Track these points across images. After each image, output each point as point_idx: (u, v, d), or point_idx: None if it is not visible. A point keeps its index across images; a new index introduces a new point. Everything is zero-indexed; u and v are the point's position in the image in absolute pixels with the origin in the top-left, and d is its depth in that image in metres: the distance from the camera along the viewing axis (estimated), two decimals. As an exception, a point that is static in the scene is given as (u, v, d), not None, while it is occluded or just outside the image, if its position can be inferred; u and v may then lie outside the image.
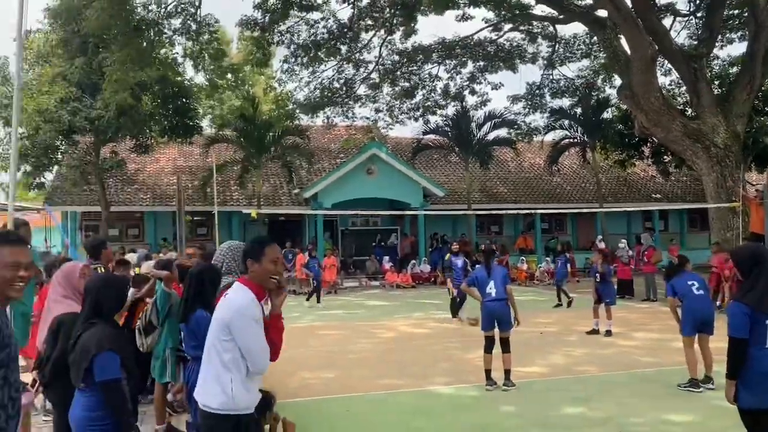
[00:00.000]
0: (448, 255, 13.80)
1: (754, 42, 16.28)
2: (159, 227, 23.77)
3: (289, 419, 3.40)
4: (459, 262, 12.98)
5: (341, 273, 20.89)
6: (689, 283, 7.38)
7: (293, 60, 22.49)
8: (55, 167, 21.62)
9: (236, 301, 3.10)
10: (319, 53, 22.07)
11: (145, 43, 17.13)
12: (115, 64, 16.18)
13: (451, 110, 25.76)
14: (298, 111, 24.53)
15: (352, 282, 22.04)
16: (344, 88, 24.24)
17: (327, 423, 6.29)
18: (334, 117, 25.35)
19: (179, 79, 20.94)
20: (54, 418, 4.05)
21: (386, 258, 22.81)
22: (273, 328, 3.21)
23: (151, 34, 17.60)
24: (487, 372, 7.39)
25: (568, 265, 15.36)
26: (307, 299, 16.38)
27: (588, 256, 23.63)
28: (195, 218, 24.02)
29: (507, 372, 7.35)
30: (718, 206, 15.11)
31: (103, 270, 6.13)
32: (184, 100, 21.04)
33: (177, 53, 20.24)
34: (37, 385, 4.50)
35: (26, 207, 23.24)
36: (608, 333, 10.90)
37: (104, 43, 18.19)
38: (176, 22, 18.41)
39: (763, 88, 19.24)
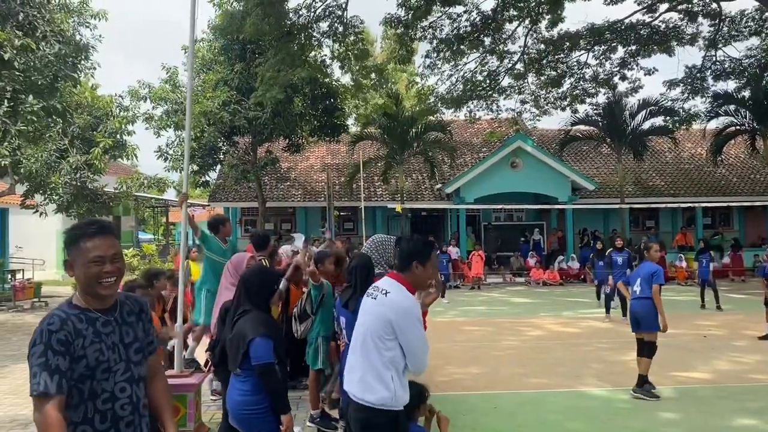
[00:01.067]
0: (609, 251, 13.29)
1: None
2: (310, 222, 24.96)
3: (443, 414, 3.41)
4: (619, 259, 12.46)
5: (485, 269, 20.66)
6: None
7: (435, 55, 22.56)
8: (218, 166, 23.40)
9: (402, 302, 3.08)
10: (462, 46, 21.93)
11: (296, 47, 18.00)
12: (268, 67, 17.19)
13: (601, 99, 24.53)
14: (440, 105, 24.56)
15: (495, 278, 21.75)
16: (488, 81, 23.90)
17: (473, 419, 6.25)
18: (477, 110, 25.10)
19: (327, 80, 21.79)
20: (223, 398, 4.37)
21: (531, 254, 22.25)
22: None
23: (302, 38, 18.45)
24: (641, 377, 6.93)
25: (712, 264, 14.13)
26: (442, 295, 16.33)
27: (758, 253, 21.53)
28: (342, 213, 24.93)
29: (639, 377, 6.81)
30: None
31: (266, 262, 6.54)
32: (331, 100, 21.88)
33: (325, 55, 21.08)
34: (209, 365, 4.89)
35: (194, 203, 25.43)
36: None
37: (260, 49, 19.41)
38: (324, 25, 19.16)
39: None
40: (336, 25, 19.04)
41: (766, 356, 8.86)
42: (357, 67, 21.33)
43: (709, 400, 6.68)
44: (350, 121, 28.29)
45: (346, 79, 24.69)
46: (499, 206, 22.23)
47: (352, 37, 19.28)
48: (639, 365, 6.87)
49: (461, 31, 21.38)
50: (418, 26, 20.97)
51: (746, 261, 22.29)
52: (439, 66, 23.25)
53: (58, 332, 2.15)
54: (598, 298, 14.09)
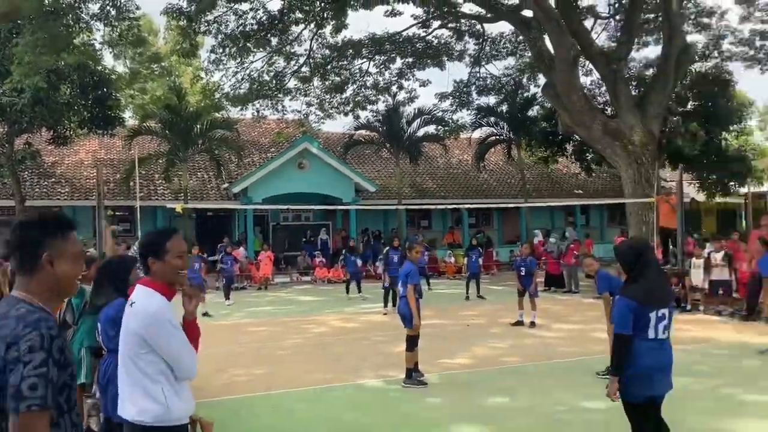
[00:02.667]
0: (387, 249, 14.13)
1: (668, 45, 17.12)
2: (79, 222, 22.71)
3: (206, 419, 3.27)
4: (395, 256, 13.29)
5: (273, 269, 20.64)
6: (620, 278, 7.68)
7: (221, 50, 21.96)
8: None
9: (148, 308, 2.83)
10: (248, 44, 21.63)
11: (61, 28, 16.26)
12: (26, 48, 15.32)
13: (381, 106, 25.91)
14: (226, 103, 23.99)
15: (283, 278, 21.81)
16: (274, 81, 23.88)
17: (255, 420, 6.22)
18: (264, 110, 24.95)
19: (99, 67, 20.05)
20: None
21: (317, 253, 22.74)
22: (188, 336, 2.93)
23: (69, 18, 16.73)
24: (415, 365, 7.46)
25: (480, 260, 16.08)
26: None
27: (513, 249, 24.35)
28: (117, 213, 23.12)
29: (407, 370, 7.29)
30: (635, 202, 15.83)
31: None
32: (104, 89, 20.18)
33: (95, 40, 19.35)
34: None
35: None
36: (532, 324, 11.25)
37: (18, 28, 17.20)
38: (94, 7, 17.59)
39: (676, 90, 20.28)
40: (108, 8, 17.58)
41: (516, 341, 10.06)
42: (132, 55, 19.91)
43: (469, 384, 7.40)
44: (127, 114, 26.33)
45: (122, 68, 22.95)
46: (286, 207, 22.35)
47: (126, 23, 17.94)
48: (405, 359, 7.37)
49: (247, 29, 21.08)
50: (202, 20, 20.25)
51: (503, 256, 25.14)
52: (225, 62, 22.68)
53: (57, 338, 1.91)
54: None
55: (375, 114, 25.61)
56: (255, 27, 21.03)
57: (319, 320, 12.80)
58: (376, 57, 24.10)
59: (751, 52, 21.75)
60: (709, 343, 9.47)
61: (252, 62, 22.94)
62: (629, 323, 3.98)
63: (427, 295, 16.30)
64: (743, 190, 23.61)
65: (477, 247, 16.89)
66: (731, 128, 21.92)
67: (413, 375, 7.33)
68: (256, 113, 24.80)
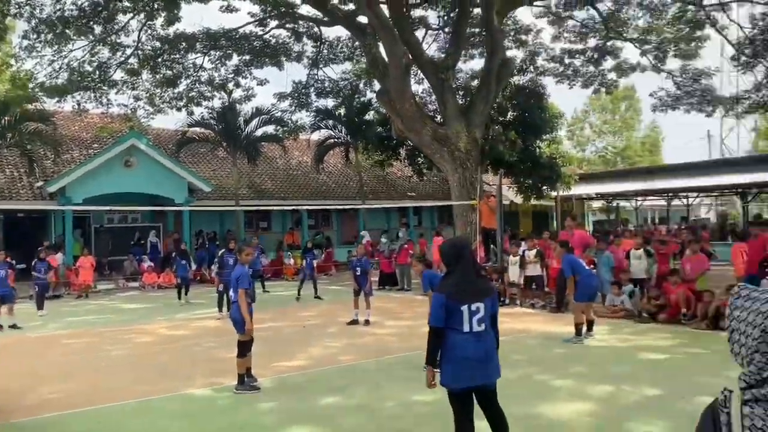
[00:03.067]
0: (221, 252, 13.72)
1: (491, 59, 18.45)
2: None
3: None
4: (231, 259, 12.92)
5: (95, 275, 19.14)
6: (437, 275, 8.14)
7: (35, 36, 19.98)
8: None
9: None
10: (67, 31, 19.90)
11: None
12: None
13: (217, 103, 25.14)
14: (40, 93, 21.87)
15: (107, 284, 20.34)
16: (98, 72, 22.20)
17: (70, 440, 5.74)
18: (86, 103, 23.09)
19: None
20: None
21: (144, 257, 21.50)
22: None
23: None
24: (248, 370, 7.34)
25: (315, 261, 16.42)
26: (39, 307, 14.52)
27: (351, 249, 24.82)
28: None
29: (239, 376, 7.17)
30: (460, 204, 16.87)
31: None
32: None
33: None
34: None
35: None
36: (367, 322, 11.55)
37: None
38: None
39: (497, 100, 21.91)
40: None
41: (351, 339, 10.28)
42: None
43: (303, 385, 7.42)
44: None
45: None
46: (109, 208, 20.87)
47: None
48: (237, 365, 7.23)
49: (66, 14, 19.39)
50: (12, 1, 18.32)
51: (341, 256, 25.54)
52: (40, 49, 20.66)
53: None
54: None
55: (210, 111, 24.80)
56: (75, 13, 19.41)
57: (146, 329, 12.12)
58: (212, 52, 23.36)
59: (561, 69, 24.13)
60: (524, 333, 10.35)
61: (72, 51, 21.16)
62: (441, 316, 4.24)
63: (264, 298, 16.22)
64: (554, 193, 26.08)
65: (312, 250, 17.02)
66: (544, 137, 24.11)
67: (245, 381, 7.20)
68: (76, 106, 22.90)
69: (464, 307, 4.23)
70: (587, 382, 7.23)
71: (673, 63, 22.70)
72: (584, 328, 9.69)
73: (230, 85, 24.71)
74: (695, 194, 33.10)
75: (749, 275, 10.57)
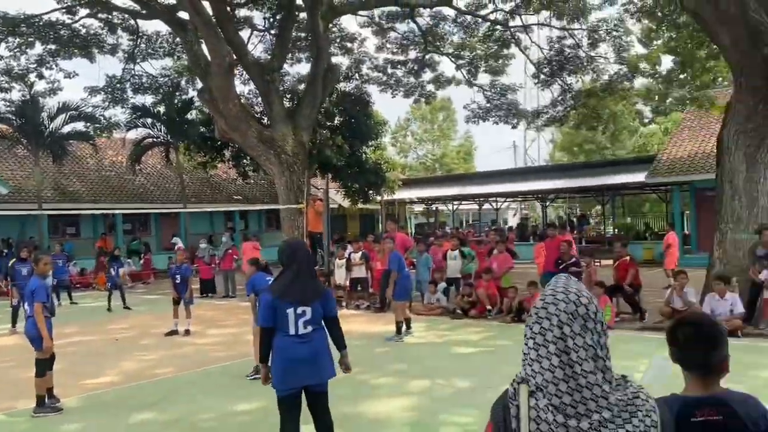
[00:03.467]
0: (12, 261, 12.33)
1: (316, 64, 18.59)
2: None
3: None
4: (24, 269, 11.65)
5: None
6: (267, 279, 8.00)
7: None
8: None
9: None
10: None
11: None
12: None
13: (16, 95, 22.58)
14: None
15: None
16: None
17: None
18: None
19: None
20: None
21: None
22: None
23: None
24: (49, 391, 6.67)
25: (121, 270, 15.54)
26: None
27: (171, 256, 23.63)
28: None
29: (37, 397, 6.51)
30: (288, 207, 16.78)
31: None
32: None
33: None
34: None
35: None
36: (187, 332, 11.05)
37: None
38: None
39: (324, 105, 22.15)
40: None
41: (169, 351, 9.76)
42: None
43: (113, 403, 6.90)
44: None
45: None
46: None
47: None
48: (35, 386, 6.53)
49: None
50: None
51: (161, 263, 24.18)
52: None
53: None
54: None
55: (9, 105, 22.21)
56: None
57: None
58: (9, 39, 20.92)
59: (384, 78, 24.99)
60: (349, 335, 10.52)
61: None
62: (269, 316, 4.29)
63: (72, 310, 14.85)
64: (379, 197, 26.97)
65: (119, 258, 15.98)
66: (370, 143, 24.83)
67: (46, 402, 6.53)
68: None
69: (290, 310, 4.27)
70: (407, 378, 7.54)
71: (483, 78, 24.51)
72: (404, 326, 10.11)
73: (32, 77, 22.32)
74: (503, 199, 36.09)
75: (547, 272, 11.75)
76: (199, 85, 19.69)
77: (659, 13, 16.37)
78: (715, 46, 13.31)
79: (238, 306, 14.96)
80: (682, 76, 18.78)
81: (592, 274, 11.71)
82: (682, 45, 17.01)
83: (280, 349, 4.29)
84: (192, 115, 25.57)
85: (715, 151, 11.21)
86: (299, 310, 4.28)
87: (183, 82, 25.63)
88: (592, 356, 1.58)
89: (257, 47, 23.73)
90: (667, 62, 20.33)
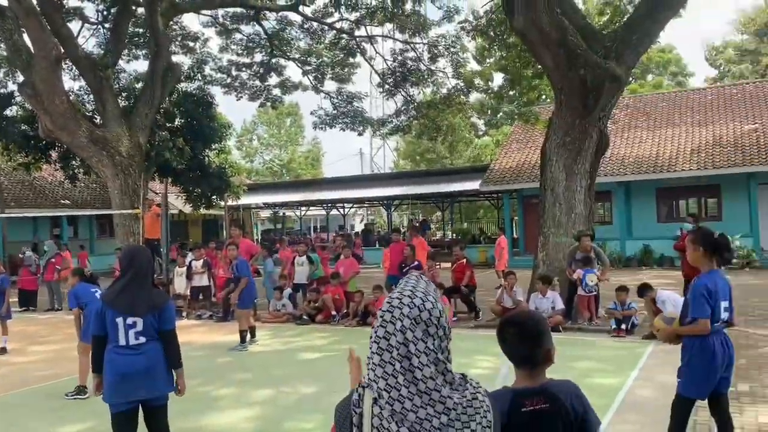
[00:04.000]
0: None
1: (155, 62, 17.69)
2: None
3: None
4: None
5: None
6: (92, 290, 7.46)
7: None
8: None
9: None
10: None
11: None
12: None
13: None
14: None
15: None
16: None
17: None
18: None
19: None
20: None
21: None
22: None
23: None
24: None
25: None
26: None
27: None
28: None
29: None
30: (122, 213, 15.77)
31: None
32: None
33: None
34: None
35: None
36: (3, 350, 9.98)
37: None
38: None
39: (164, 106, 21.10)
40: None
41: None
42: None
43: None
44: None
45: None
46: None
47: None
48: None
49: None
50: None
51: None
52: None
53: None
54: None
55: None
56: None
57: None
58: None
59: (229, 80, 24.38)
60: (189, 345, 10.11)
61: None
62: (99, 325, 4.09)
63: None
64: (224, 203, 26.19)
65: None
66: (213, 146, 24.04)
67: None
68: None
69: (119, 319, 4.05)
70: (251, 387, 7.40)
71: (330, 85, 24.82)
72: (248, 335, 9.91)
73: None
74: (350, 205, 36.67)
75: (391, 275, 12.12)
76: (21, 78, 17.90)
77: (491, 33, 17.58)
78: (539, 66, 14.55)
79: (63, 320, 13.73)
80: (511, 93, 20.32)
81: (434, 277, 12.26)
82: (512, 64, 18.42)
83: (110, 362, 4.05)
84: (12, 111, 23.14)
85: (539, 161, 12.26)
86: (129, 320, 4.06)
87: (1, 75, 23.15)
88: (433, 360, 1.60)
89: (89, 41, 22.09)
90: (498, 79, 21.89)
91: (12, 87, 23.11)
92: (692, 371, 4.17)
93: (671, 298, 8.98)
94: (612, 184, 21.68)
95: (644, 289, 9.49)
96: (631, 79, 25.98)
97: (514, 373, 2.21)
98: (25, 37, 15.90)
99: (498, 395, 2.07)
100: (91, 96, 19.49)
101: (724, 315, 4.17)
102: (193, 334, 11.33)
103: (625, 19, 13.38)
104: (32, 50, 15.52)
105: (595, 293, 10.55)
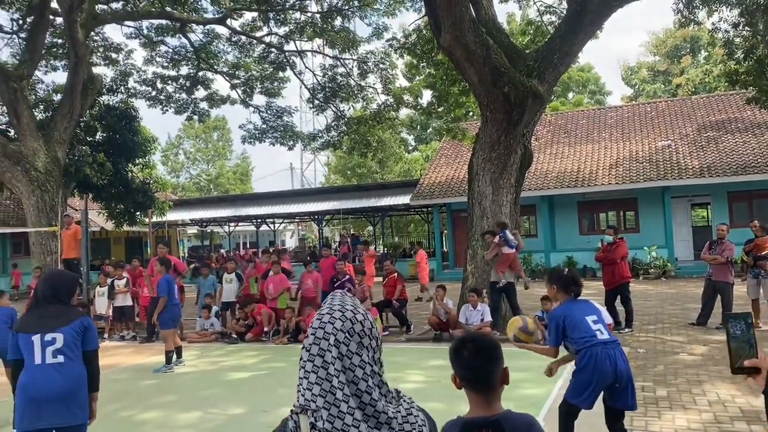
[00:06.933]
0: None
1: (74, 73, 17.00)
2: None
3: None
4: None
5: None
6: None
7: None
8: None
9: None
10: None
11: None
12: None
13: None
14: None
15: None
16: None
17: None
18: None
19: None
20: None
21: None
22: None
23: None
24: None
25: None
26: None
27: None
28: None
29: None
30: (38, 230, 15.01)
31: None
32: None
33: None
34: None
35: None
36: None
37: None
38: None
39: (84, 119, 20.28)
40: None
41: None
42: None
43: None
44: None
45: None
46: None
47: None
48: None
49: None
50: None
51: None
52: None
53: None
54: None
55: None
56: None
57: None
58: None
59: (154, 93, 23.73)
60: (111, 368, 9.68)
61: None
62: (14, 350, 3.93)
63: None
64: (148, 219, 25.34)
65: None
66: (137, 161, 23.25)
67: None
68: None
69: (35, 337, 3.85)
70: (176, 410, 7.15)
71: (259, 99, 24.57)
72: (174, 356, 9.59)
73: None
74: (281, 220, 36.25)
75: (324, 291, 12.04)
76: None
77: (419, 50, 17.88)
78: (466, 84, 14.90)
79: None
80: (440, 109, 20.68)
81: (364, 291, 12.25)
82: (439, 81, 18.78)
83: (22, 385, 3.83)
84: None
85: (467, 176, 12.52)
86: (47, 337, 3.85)
87: None
88: (370, 373, 1.56)
89: (3, 51, 21.03)
90: (427, 95, 22.26)
91: None
92: (575, 380, 4.59)
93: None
94: (536, 198, 22.38)
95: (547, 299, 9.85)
96: (552, 96, 27.01)
97: (468, 400, 2.10)
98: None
99: (449, 426, 2.05)
100: (4, 108, 18.53)
101: (596, 328, 4.54)
102: (117, 356, 10.88)
103: (546, 39, 13.89)
104: (-62, 59, 14.63)
105: (514, 248, 10.77)
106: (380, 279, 14.01)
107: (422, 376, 8.08)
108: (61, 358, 3.87)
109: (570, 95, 48.28)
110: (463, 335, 2.21)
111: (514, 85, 11.05)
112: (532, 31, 18.76)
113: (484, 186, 11.73)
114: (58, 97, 20.23)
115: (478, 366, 2.05)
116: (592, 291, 14.93)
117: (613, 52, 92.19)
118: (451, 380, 2.14)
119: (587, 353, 4.46)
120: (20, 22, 19.90)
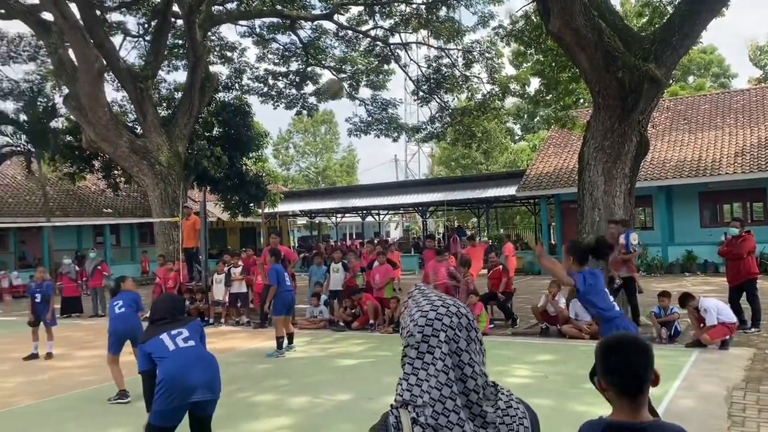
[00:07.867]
0: None
1: (193, 72, 18.05)
2: None
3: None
4: None
5: None
6: (114, 303, 7.64)
7: None
8: None
9: None
10: None
11: None
12: None
13: None
14: None
15: None
16: None
17: None
18: None
19: None
20: None
21: None
22: None
23: None
24: None
25: None
26: None
27: (32, 274, 21.88)
28: None
29: None
30: (162, 221, 16.09)
31: None
32: None
33: None
34: None
35: None
36: (49, 355, 10.26)
37: None
38: None
39: (202, 115, 21.49)
40: None
41: (29, 377, 9.00)
42: None
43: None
44: None
45: None
46: None
47: None
48: None
49: None
50: None
51: (23, 281, 22.30)
52: None
53: None
54: None
55: None
56: None
57: None
58: None
59: (265, 89, 24.70)
60: (227, 352, 10.23)
61: None
62: (146, 360, 4.33)
63: None
64: (261, 210, 26.51)
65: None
66: (250, 155, 24.37)
67: None
68: None
69: (164, 336, 4.24)
70: (287, 394, 7.43)
71: (365, 92, 24.94)
72: (285, 341, 9.97)
73: None
74: (385, 211, 36.71)
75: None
76: (66, 91, 18.48)
77: (526, 37, 17.40)
78: (576, 70, 14.36)
79: (106, 326, 14.05)
80: (548, 97, 20.04)
81: (469, 283, 12.15)
82: (548, 68, 18.19)
83: (165, 370, 4.09)
84: (58, 122, 23.90)
85: (577, 166, 12.07)
86: (173, 331, 4.24)
87: (48, 88, 23.93)
88: (479, 372, 1.52)
89: (131, 53, 22.70)
90: (535, 83, 21.65)
91: (58, 100, 23.90)
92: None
93: (714, 305, 8.74)
94: (653, 189, 21.23)
95: (686, 299, 9.23)
96: (671, 81, 25.43)
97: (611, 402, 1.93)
98: (70, 51, 16.40)
99: (588, 425, 1.92)
100: (132, 107, 19.98)
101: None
102: (232, 341, 11.47)
103: (664, 20, 13.08)
104: (76, 63, 15.99)
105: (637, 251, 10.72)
106: (484, 271, 13.85)
107: (528, 370, 7.91)
108: (192, 343, 4.25)
109: (690, 79, 45.27)
110: (617, 337, 2.00)
111: (628, 70, 10.51)
112: (648, 12, 17.73)
113: (596, 176, 11.26)
114: (178, 95, 21.55)
115: (635, 363, 1.86)
116: (715, 287, 13.97)
117: (740, 31, 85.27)
118: (595, 384, 1.95)
119: (612, 325, 5.00)
120: (146, 26, 21.32)
